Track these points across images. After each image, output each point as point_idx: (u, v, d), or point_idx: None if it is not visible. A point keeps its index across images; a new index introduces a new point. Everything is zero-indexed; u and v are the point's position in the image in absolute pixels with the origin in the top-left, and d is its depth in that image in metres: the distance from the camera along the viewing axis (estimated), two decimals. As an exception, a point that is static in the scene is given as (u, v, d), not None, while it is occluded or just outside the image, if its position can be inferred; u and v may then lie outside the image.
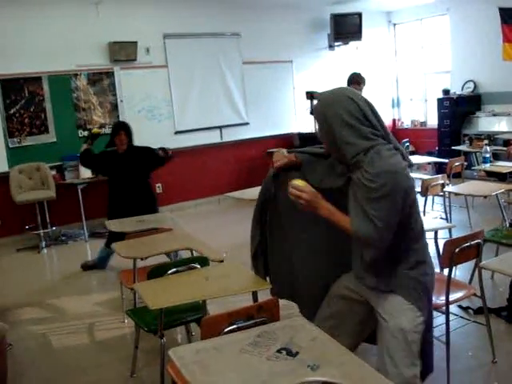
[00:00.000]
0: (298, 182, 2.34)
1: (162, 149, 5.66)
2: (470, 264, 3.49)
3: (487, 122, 9.28)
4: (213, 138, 8.92)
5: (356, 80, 6.03)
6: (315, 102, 6.98)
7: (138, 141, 8.09)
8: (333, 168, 2.48)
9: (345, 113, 2.23)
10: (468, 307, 4.08)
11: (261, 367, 1.85)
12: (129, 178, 5.61)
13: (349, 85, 5.95)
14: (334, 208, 2.30)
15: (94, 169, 6.62)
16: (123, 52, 7.86)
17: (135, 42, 7.94)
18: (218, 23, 8.78)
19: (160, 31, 8.30)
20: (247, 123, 9.23)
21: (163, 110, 8.41)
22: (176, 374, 2.43)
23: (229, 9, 8.85)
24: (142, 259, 3.65)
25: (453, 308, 3.78)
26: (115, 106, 8.00)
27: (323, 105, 2.33)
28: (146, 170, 5.73)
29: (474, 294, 3.44)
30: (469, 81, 9.65)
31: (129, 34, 7.91)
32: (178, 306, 2.87)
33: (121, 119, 7.99)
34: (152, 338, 3.25)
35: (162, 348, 2.98)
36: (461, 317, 3.91)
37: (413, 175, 6.09)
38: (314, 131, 6.90)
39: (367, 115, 2.25)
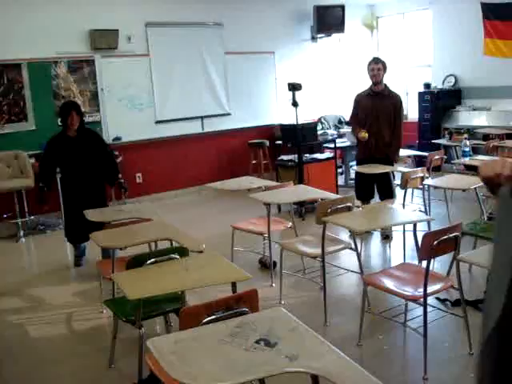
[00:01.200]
0: None
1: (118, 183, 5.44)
2: (449, 257, 3.52)
3: (467, 116, 9.36)
4: (194, 128, 8.88)
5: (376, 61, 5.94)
6: (297, 93, 6.90)
7: (120, 130, 8.09)
8: None
9: None
10: (446, 299, 4.13)
11: (239, 358, 1.85)
12: (82, 163, 5.28)
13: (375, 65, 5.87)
14: None
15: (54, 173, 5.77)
16: (104, 40, 7.78)
17: (116, 30, 7.86)
18: (200, 13, 8.72)
19: (142, 19, 8.22)
20: (229, 114, 9.20)
21: (144, 100, 8.35)
22: (154, 365, 2.42)
23: (211, -1, 8.80)
24: (121, 249, 3.62)
25: (431, 300, 3.81)
26: (96, 95, 7.92)
27: None
28: (97, 160, 5.36)
29: (452, 287, 3.48)
30: (450, 75, 9.71)
31: (110, 22, 7.83)
32: (156, 297, 2.86)
33: (101, 108, 7.93)
34: (130, 328, 3.24)
35: (140, 338, 2.96)
36: (438, 309, 3.95)
37: (393, 168, 6.18)
38: (295, 123, 6.88)
39: None
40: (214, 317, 2.22)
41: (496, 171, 1.48)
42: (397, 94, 6.04)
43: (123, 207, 4.74)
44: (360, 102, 6.04)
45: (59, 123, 5.44)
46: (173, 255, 3.12)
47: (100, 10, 7.77)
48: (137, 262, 3.04)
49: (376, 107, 5.85)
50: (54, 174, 5.57)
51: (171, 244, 3.74)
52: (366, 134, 5.83)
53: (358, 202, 6.09)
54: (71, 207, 5.31)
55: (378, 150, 5.92)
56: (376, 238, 6.05)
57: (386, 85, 6.01)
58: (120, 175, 5.45)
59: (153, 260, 3.05)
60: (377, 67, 5.87)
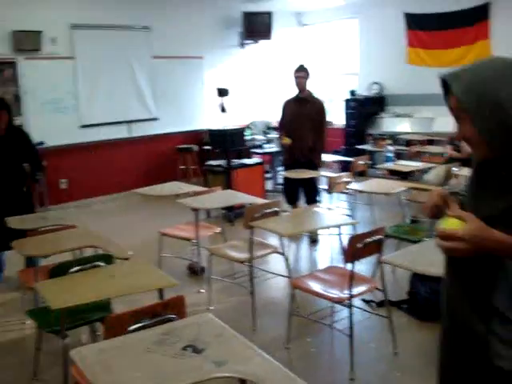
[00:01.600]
0: (446, 224, 1.46)
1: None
2: (373, 259, 3.62)
3: (391, 123, 9.67)
4: (121, 132, 8.73)
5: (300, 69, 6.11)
6: (224, 98, 6.96)
7: (43, 134, 7.84)
8: (485, 187, 1.54)
9: None
10: (371, 300, 4.23)
11: (166, 365, 1.83)
12: (7, 164, 4.85)
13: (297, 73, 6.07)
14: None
15: None
16: (27, 41, 7.53)
17: (40, 32, 7.63)
18: (128, 16, 8.60)
19: (67, 21, 8.01)
20: (157, 118, 9.10)
21: (69, 103, 8.13)
22: (79, 375, 2.36)
23: (139, 2, 8.69)
24: (44, 257, 3.51)
25: (356, 301, 3.91)
26: (18, 98, 7.65)
27: (489, 81, 1.43)
28: (23, 159, 4.98)
29: (377, 288, 3.57)
30: (374, 83, 10.00)
31: (34, 23, 7.59)
32: (82, 306, 2.78)
33: (24, 111, 7.67)
34: (55, 338, 3.14)
35: (64, 349, 2.88)
36: (364, 310, 4.05)
37: (319, 173, 6.30)
38: (224, 128, 6.89)
39: None
40: (140, 324, 2.19)
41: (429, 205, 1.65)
42: (320, 100, 6.26)
43: (47, 214, 4.59)
44: (286, 107, 6.23)
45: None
46: (98, 263, 3.06)
47: (23, 11, 7.51)
48: (60, 270, 2.96)
49: (300, 113, 6.04)
50: None
51: (96, 251, 3.66)
52: (289, 141, 6.02)
53: (286, 207, 6.18)
54: None
55: (303, 154, 6.09)
56: (305, 241, 6.14)
57: (309, 91, 6.20)
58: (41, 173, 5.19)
59: (77, 268, 2.97)
60: (299, 75, 6.06)
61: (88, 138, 8.25)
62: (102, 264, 3.06)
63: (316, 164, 6.18)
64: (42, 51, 7.75)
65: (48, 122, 7.89)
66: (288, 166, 6.27)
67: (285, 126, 6.21)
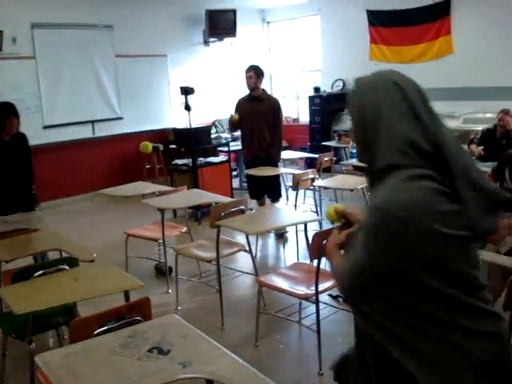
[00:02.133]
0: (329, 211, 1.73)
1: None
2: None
3: (355, 119, 9.74)
4: (85, 132, 8.62)
5: (251, 70, 6.18)
6: (189, 97, 6.99)
7: (4, 136, 7.69)
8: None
9: (384, 104, 1.54)
10: (338, 296, 4.27)
11: (132, 368, 1.83)
12: (12, 170, 4.74)
13: (247, 74, 6.18)
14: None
15: None
16: (-14, 41, 7.38)
17: (0, 31, 7.48)
18: (89, 15, 8.49)
19: (27, 20, 7.86)
20: (121, 118, 9.02)
21: (31, 104, 7.98)
22: (45, 380, 2.34)
23: (101, 0, 8.58)
24: (6, 262, 3.45)
25: (323, 297, 3.95)
26: (-23, 99, 7.50)
27: (358, 92, 1.67)
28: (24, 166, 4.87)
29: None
30: (338, 79, 10.08)
31: (-8, 22, 7.44)
32: (47, 310, 2.75)
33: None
34: (21, 344, 3.10)
35: (30, 354, 2.85)
36: (331, 305, 4.09)
37: (284, 170, 6.36)
38: (188, 127, 6.87)
39: (416, 111, 1.52)
40: (105, 328, 2.18)
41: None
42: (274, 98, 6.47)
43: (8, 217, 4.49)
44: (240, 106, 6.31)
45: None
46: (62, 266, 3.02)
47: (-18, 10, 7.37)
48: (23, 274, 2.91)
49: (255, 111, 6.12)
50: None
51: (61, 254, 3.62)
52: (237, 117, 6.20)
53: (252, 204, 6.20)
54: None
55: (261, 150, 6.18)
56: (272, 239, 6.17)
57: (263, 90, 6.33)
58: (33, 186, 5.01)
59: (41, 272, 2.93)
60: (249, 74, 6.16)
61: (52, 139, 8.12)
62: (66, 267, 3.02)
63: (275, 160, 6.30)
64: (2, 51, 7.60)
65: (9, 123, 7.75)
66: (249, 162, 6.37)
67: (240, 125, 6.31)
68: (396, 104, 1.52)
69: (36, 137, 7.99)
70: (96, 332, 2.16)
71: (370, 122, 1.56)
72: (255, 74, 6.17)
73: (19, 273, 2.92)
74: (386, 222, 1.42)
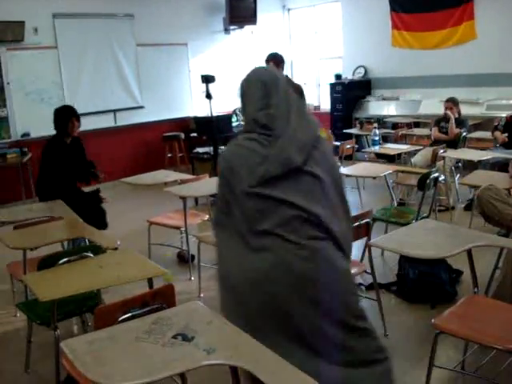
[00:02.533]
0: None
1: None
2: (361, 242, 3.64)
3: (377, 106, 9.68)
4: (106, 121, 8.67)
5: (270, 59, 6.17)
6: (210, 85, 7.05)
7: (28, 125, 7.79)
8: None
9: (248, 92, 2.32)
10: (360, 284, 4.26)
11: (156, 354, 1.83)
12: (75, 171, 5.03)
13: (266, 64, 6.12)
14: None
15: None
16: (9, 32, 7.44)
17: (22, 22, 7.53)
18: (110, 3, 8.52)
19: (49, 10, 7.91)
20: (142, 107, 9.05)
21: (53, 93, 8.06)
22: (70, 367, 2.36)
23: (121, -11, 8.61)
24: (31, 250, 3.50)
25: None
26: (1, 89, 7.58)
27: (243, 81, 2.41)
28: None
29: (365, 271, 3.59)
30: (360, 66, 9.99)
31: (16, 13, 7.48)
32: (72, 297, 2.78)
33: (8, 103, 7.60)
34: (46, 330, 3.14)
35: (56, 341, 2.88)
36: (353, 293, 4.07)
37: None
38: (210, 115, 6.87)
39: (259, 99, 2.24)
40: (129, 314, 2.19)
41: None
42: (297, 84, 6.39)
43: (33, 206, 4.56)
44: None
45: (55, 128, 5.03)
46: (86, 253, 3.05)
47: (5, 1, 7.42)
48: (49, 262, 2.95)
49: None
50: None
51: (85, 242, 3.65)
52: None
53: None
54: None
55: None
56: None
57: (286, 76, 6.27)
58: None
59: (65, 259, 2.97)
60: (269, 65, 6.13)
61: (74, 128, 8.19)
62: (90, 255, 3.05)
63: None
64: (24, 41, 7.67)
65: (33, 112, 7.82)
66: None
67: None
68: (256, 94, 2.26)
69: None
70: (120, 319, 2.18)
71: (242, 102, 2.33)
72: (274, 63, 6.16)
73: (44, 260, 2.95)
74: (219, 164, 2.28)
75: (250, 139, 2.18)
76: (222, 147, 7.32)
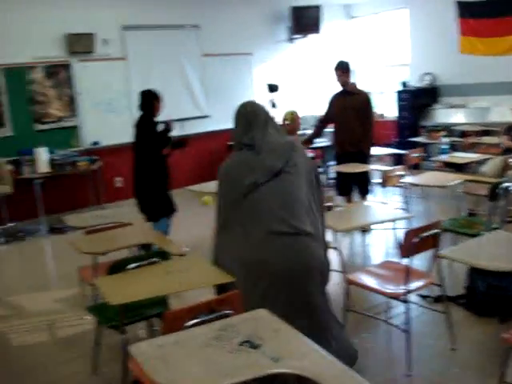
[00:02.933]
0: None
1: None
2: (429, 253, 3.55)
3: (444, 114, 9.45)
4: (173, 131, 8.81)
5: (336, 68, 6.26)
6: (274, 94, 7.20)
7: (98, 134, 8.03)
8: None
9: (238, 120, 3.14)
10: (427, 296, 4.16)
11: (224, 360, 1.84)
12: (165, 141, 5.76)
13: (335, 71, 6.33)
14: None
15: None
16: (81, 44, 7.72)
17: (93, 34, 7.81)
18: (177, 15, 8.70)
19: (118, 23, 8.17)
20: (207, 116, 9.18)
21: (122, 103, 8.29)
22: (138, 370, 2.40)
23: (189, 1, 8.77)
24: (102, 254, 3.59)
25: (413, 297, 3.85)
26: (73, 99, 7.86)
27: (236, 110, 3.18)
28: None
29: (433, 283, 3.51)
30: (427, 73, 9.80)
31: (86, 26, 7.78)
32: (139, 301, 2.83)
33: (78, 112, 7.87)
34: (114, 333, 3.21)
35: (123, 344, 2.94)
36: (420, 305, 3.98)
37: (373, 166, 6.27)
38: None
39: (244, 126, 3.07)
40: (197, 320, 2.21)
41: None
42: (365, 92, 6.42)
43: (103, 212, 4.70)
44: (333, 101, 6.41)
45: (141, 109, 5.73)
46: (154, 259, 3.11)
47: (76, 14, 7.71)
48: (118, 266, 3.03)
49: (346, 105, 6.16)
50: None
51: (152, 248, 3.72)
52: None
53: (340, 201, 6.14)
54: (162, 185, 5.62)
55: (352, 144, 6.18)
56: (356, 237, 6.08)
57: (354, 84, 6.44)
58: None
59: (135, 265, 3.03)
60: (337, 73, 6.30)
61: (141, 137, 8.37)
62: (158, 260, 3.11)
63: (366, 154, 6.26)
64: (94, 53, 7.93)
65: (102, 122, 8.07)
66: (339, 157, 6.39)
67: (332, 118, 6.42)
68: (241, 124, 3.08)
69: (127, 135, 8.28)
70: (188, 324, 2.20)
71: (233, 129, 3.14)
72: (342, 71, 6.27)
73: (114, 265, 3.03)
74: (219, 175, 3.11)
75: (240, 154, 3.03)
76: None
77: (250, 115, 3.06)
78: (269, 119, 3.10)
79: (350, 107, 6.13)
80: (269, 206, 2.84)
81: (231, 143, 3.21)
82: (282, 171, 2.90)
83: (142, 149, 5.57)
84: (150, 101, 5.67)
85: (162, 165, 5.63)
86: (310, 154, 7.95)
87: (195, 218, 7.34)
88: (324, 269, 2.94)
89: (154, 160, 5.53)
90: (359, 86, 6.47)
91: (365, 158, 6.23)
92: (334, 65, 6.34)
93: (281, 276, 2.77)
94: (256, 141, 2.96)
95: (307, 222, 2.86)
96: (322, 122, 6.71)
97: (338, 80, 6.29)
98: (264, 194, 2.86)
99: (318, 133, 6.77)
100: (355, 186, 6.29)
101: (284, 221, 2.80)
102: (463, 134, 8.53)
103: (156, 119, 5.69)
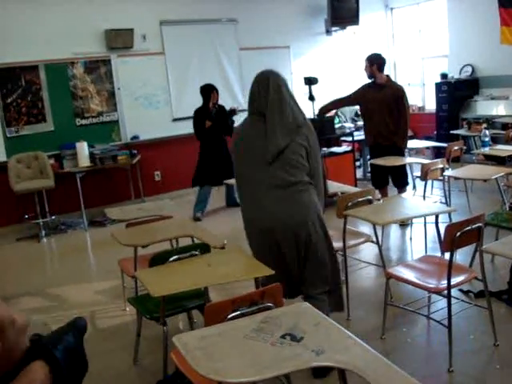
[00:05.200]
0: None
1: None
2: (470, 248, 3.50)
3: (485, 106, 9.26)
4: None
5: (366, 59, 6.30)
6: (312, 87, 7.14)
7: (137, 128, 8.12)
8: None
9: (254, 88, 3.38)
10: (469, 291, 4.10)
11: (265, 353, 1.85)
12: (219, 136, 7.22)
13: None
14: None
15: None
16: (120, 39, 7.81)
17: (132, 29, 7.89)
18: (214, 9, 8.72)
19: (156, 18, 8.24)
20: (245, 110, 9.14)
21: (160, 98, 8.37)
22: (180, 361, 2.43)
23: (225, -5, 8.79)
24: (142, 247, 3.64)
25: (453, 292, 3.79)
26: (112, 94, 7.97)
27: (254, 80, 3.43)
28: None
29: (475, 278, 3.45)
30: (467, 65, 9.61)
31: (125, 21, 7.86)
32: (179, 294, 2.87)
33: (118, 107, 7.98)
34: (154, 325, 3.26)
35: (164, 335, 2.98)
36: (462, 300, 3.92)
37: (412, 160, 6.20)
38: (313, 117, 6.86)
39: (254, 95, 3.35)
40: (238, 312, 2.22)
41: None
42: (398, 85, 6.39)
43: (143, 205, 4.76)
44: (360, 90, 6.40)
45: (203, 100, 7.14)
46: (195, 252, 3.14)
47: (115, 10, 7.81)
48: (159, 259, 3.06)
49: (376, 98, 6.09)
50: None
51: (193, 241, 3.76)
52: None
53: (377, 195, 6.09)
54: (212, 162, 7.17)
55: (384, 137, 6.12)
56: (395, 230, 6.02)
57: (387, 76, 6.37)
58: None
59: (175, 257, 3.07)
60: (364, 65, 6.25)
61: (179, 131, 8.45)
62: (198, 253, 3.14)
63: (399, 147, 6.17)
64: (133, 48, 8.02)
65: (141, 116, 8.16)
66: (371, 149, 6.42)
67: (364, 112, 6.43)
68: (254, 90, 3.34)
69: (166, 129, 8.41)
70: (229, 316, 2.21)
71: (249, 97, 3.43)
72: (368, 63, 6.22)
73: (156, 257, 3.07)
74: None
75: (252, 121, 3.38)
76: (324, 149, 7.30)
77: (261, 83, 3.29)
78: (282, 90, 3.28)
79: (378, 100, 6.06)
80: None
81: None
82: (283, 150, 3.19)
83: (196, 128, 7.12)
84: (207, 93, 7.07)
85: (208, 140, 7.11)
86: (348, 147, 7.90)
87: (230, 212, 7.37)
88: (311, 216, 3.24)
89: (202, 135, 7.11)
90: (396, 80, 6.39)
91: (399, 151, 6.15)
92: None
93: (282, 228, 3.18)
94: (267, 108, 3.24)
95: (298, 174, 3.22)
96: (338, 101, 6.71)
97: (365, 71, 6.27)
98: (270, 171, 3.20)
99: (330, 108, 6.92)
100: (391, 179, 6.25)
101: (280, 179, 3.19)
102: (505, 127, 8.35)
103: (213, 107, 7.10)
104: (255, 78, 3.38)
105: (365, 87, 6.36)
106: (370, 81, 6.31)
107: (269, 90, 3.25)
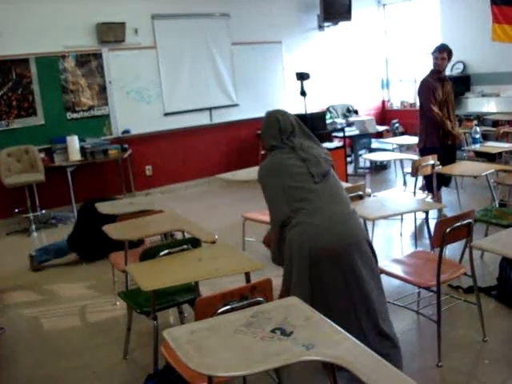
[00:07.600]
0: None
1: None
2: (459, 244, 3.52)
3: (476, 103, 9.30)
4: (202, 119, 8.87)
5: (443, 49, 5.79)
6: (304, 82, 7.05)
7: (128, 123, 8.09)
8: None
9: (268, 126, 3.34)
10: (458, 286, 4.12)
11: (255, 347, 1.85)
12: None
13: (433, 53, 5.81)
14: None
15: None
16: (111, 33, 7.76)
17: (123, 23, 7.85)
18: (206, 4, 8.69)
19: (148, 12, 8.20)
20: (237, 104, 9.18)
21: (152, 92, 8.34)
22: (170, 355, 2.44)
23: (217, -11, 8.76)
24: (133, 241, 3.64)
25: (443, 287, 3.81)
26: (104, 88, 7.93)
27: (264, 117, 3.47)
28: None
29: (465, 274, 3.47)
30: (458, 62, 9.64)
31: (117, 15, 7.82)
32: (170, 288, 2.87)
33: (109, 101, 7.94)
34: (144, 319, 3.26)
35: (155, 329, 2.98)
36: (451, 296, 3.95)
37: (403, 156, 6.18)
38: (304, 112, 6.87)
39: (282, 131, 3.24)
40: (229, 307, 2.23)
41: None
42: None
43: (133, 199, 4.75)
44: (433, 87, 5.81)
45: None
46: (185, 246, 3.14)
47: (106, 3, 7.77)
48: (150, 253, 3.06)
49: (446, 93, 5.83)
50: None
51: (183, 235, 3.75)
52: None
53: (368, 190, 6.09)
54: None
55: (452, 136, 5.85)
56: (387, 226, 6.04)
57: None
58: None
59: (166, 251, 3.06)
60: (441, 56, 5.76)
61: (171, 126, 8.43)
62: (189, 247, 3.14)
63: (456, 145, 5.97)
64: (125, 42, 7.98)
65: (133, 110, 8.14)
66: (431, 150, 5.73)
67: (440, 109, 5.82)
68: (273, 127, 3.25)
69: (157, 123, 8.39)
70: (220, 311, 2.21)
71: (262, 132, 3.38)
72: (448, 55, 5.79)
73: (146, 251, 3.07)
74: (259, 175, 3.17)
75: (281, 152, 3.16)
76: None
77: (285, 121, 3.26)
78: (300, 126, 3.32)
79: (448, 96, 5.81)
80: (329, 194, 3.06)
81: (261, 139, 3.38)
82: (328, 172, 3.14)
83: None
84: None
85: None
86: (339, 143, 7.90)
87: (223, 206, 7.38)
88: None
89: None
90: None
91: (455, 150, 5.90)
92: (434, 47, 5.86)
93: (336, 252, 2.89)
94: (296, 144, 3.15)
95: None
96: (442, 115, 5.81)
97: (439, 63, 5.75)
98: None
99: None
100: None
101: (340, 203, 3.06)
102: (495, 124, 8.39)
103: None
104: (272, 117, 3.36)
105: (432, 82, 5.81)
106: (428, 74, 5.92)
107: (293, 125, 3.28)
